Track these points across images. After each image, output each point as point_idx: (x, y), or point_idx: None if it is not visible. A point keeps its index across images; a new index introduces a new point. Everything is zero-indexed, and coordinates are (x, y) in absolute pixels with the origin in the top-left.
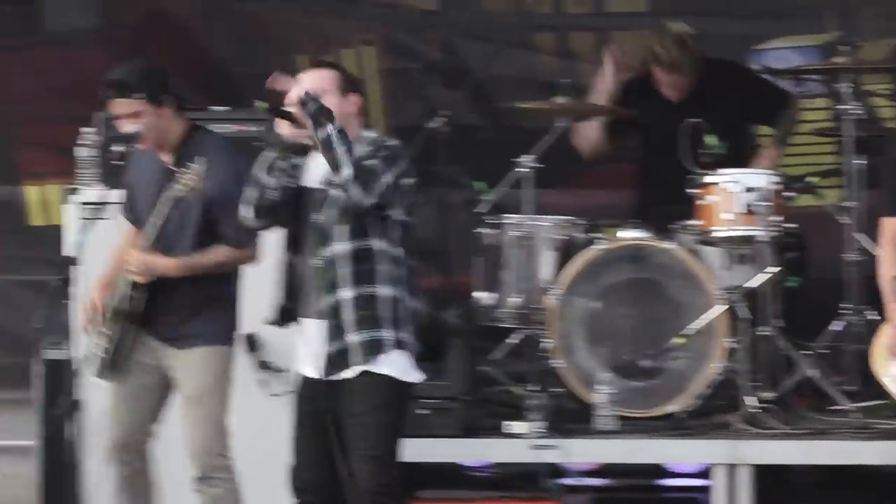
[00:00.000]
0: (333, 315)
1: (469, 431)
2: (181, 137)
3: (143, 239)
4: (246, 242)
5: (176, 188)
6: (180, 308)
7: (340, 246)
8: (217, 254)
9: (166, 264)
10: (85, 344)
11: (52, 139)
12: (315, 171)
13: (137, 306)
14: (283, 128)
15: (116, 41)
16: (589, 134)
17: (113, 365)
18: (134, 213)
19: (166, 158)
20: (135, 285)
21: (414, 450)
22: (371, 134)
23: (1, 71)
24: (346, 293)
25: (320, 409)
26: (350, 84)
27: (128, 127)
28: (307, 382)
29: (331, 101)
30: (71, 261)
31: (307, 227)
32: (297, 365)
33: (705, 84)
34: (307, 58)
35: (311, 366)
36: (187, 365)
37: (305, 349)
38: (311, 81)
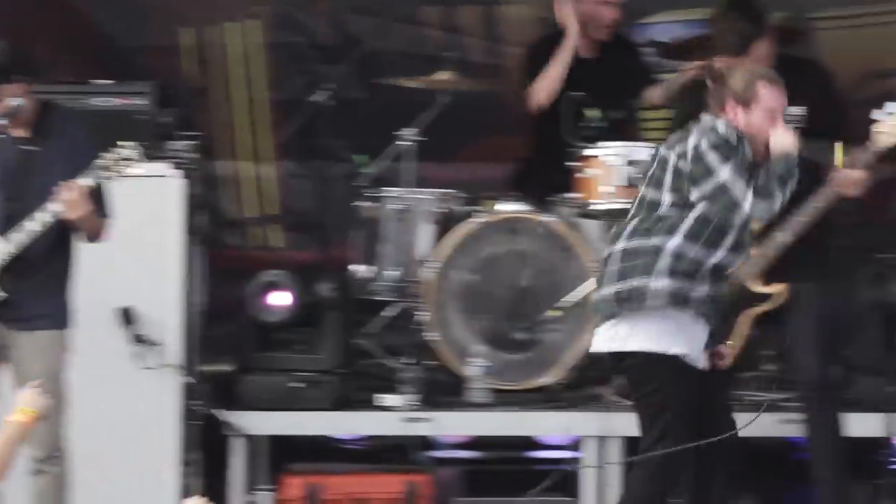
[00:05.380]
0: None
1: (341, 404)
2: (38, 114)
3: None
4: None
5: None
6: (27, 288)
7: None
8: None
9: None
10: None
11: None
12: None
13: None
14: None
15: None
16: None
17: None
18: None
19: (23, 135)
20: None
21: (285, 422)
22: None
23: None
24: None
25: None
26: None
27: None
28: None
29: None
30: None
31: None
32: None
33: (604, 52)
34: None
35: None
36: (33, 347)
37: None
38: None
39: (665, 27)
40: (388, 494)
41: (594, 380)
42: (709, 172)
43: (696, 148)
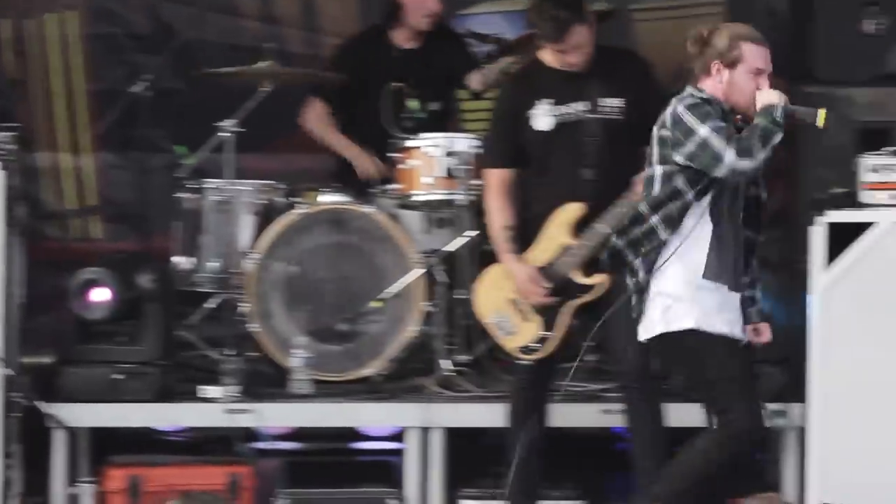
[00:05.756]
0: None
1: (163, 396)
2: None
3: None
4: None
5: None
6: None
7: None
8: None
9: None
10: None
11: None
12: None
13: None
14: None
15: None
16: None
17: None
18: None
19: None
20: None
21: (107, 414)
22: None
23: None
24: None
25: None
26: None
27: None
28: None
29: None
30: None
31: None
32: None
33: (426, 43)
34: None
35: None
36: None
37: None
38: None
39: (485, 18)
40: (210, 486)
41: (416, 371)
42: (690, 132)
43: (674, 112)
